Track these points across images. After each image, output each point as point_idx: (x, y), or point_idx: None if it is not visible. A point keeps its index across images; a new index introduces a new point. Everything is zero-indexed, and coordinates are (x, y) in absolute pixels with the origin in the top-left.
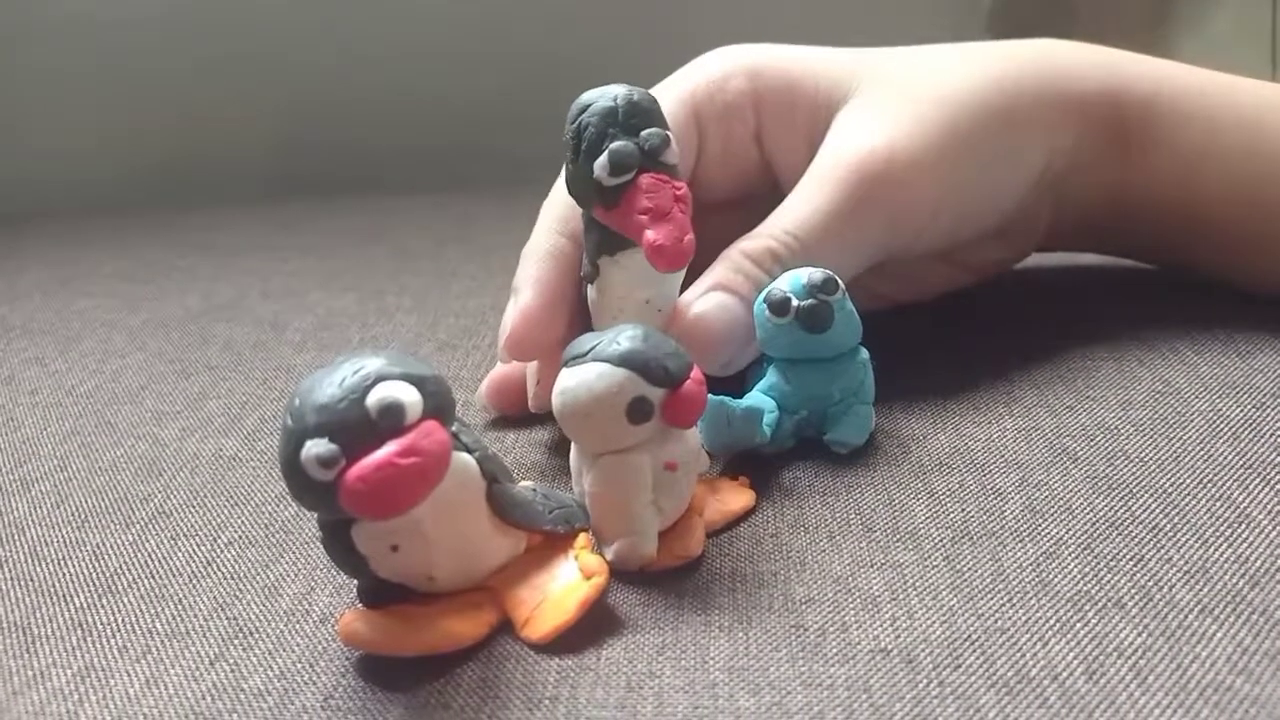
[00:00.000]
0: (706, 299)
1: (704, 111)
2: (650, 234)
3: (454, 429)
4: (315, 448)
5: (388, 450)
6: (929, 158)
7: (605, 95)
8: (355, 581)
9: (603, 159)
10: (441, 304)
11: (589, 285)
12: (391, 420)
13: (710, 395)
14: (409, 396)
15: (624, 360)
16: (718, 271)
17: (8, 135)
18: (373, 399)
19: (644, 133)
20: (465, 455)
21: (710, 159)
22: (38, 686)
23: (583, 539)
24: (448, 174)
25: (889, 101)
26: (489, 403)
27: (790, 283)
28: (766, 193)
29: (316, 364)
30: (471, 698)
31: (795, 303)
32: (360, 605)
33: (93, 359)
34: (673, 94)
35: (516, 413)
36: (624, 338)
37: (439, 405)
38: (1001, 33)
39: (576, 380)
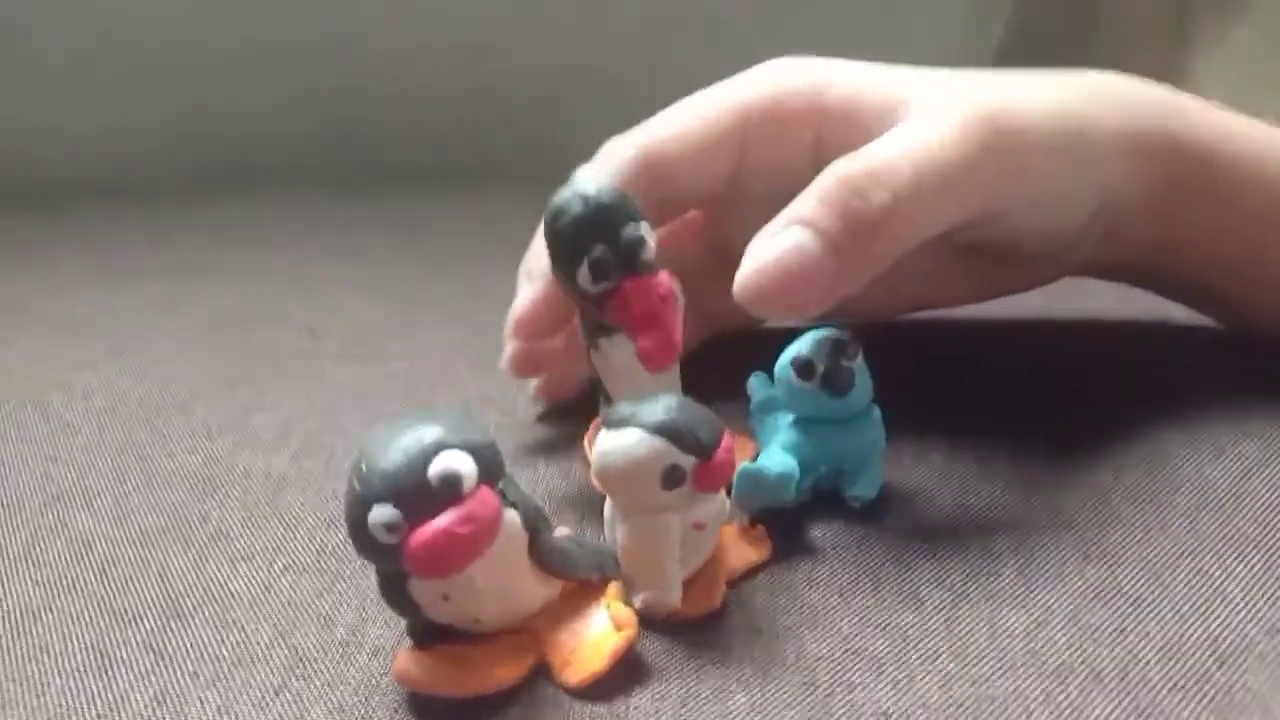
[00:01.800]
0: (780, 239)
1: (756, 126)
2: (640, 343)
3: (501, 486)
4: (381, 514)
5: (448, 519)
6: (1035, 131)
7: (575, 202)
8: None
9: (584, 270)
10: (473, 316)
11: (592, 352)
12: (451, 489)
13: (745, 464)
14: (466, 467)
15: (661, 430)
16: (802, 203)
17: (31, 112)
18: (434, 469)
19: (623, 235)
20: (511, 511)
21: (755, 168)
22: (120, 710)
23: (614, 588)
24: (475, 161)
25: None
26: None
27: (811, 347)
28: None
29: (357, 378)
30: None
31: (822, 368)
32: (409, 640)
33: (140, 363)
34: (723, 102)
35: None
36: (661, 408)
37: (492, 471)
38: (1015, 49)
39: (616, 444)
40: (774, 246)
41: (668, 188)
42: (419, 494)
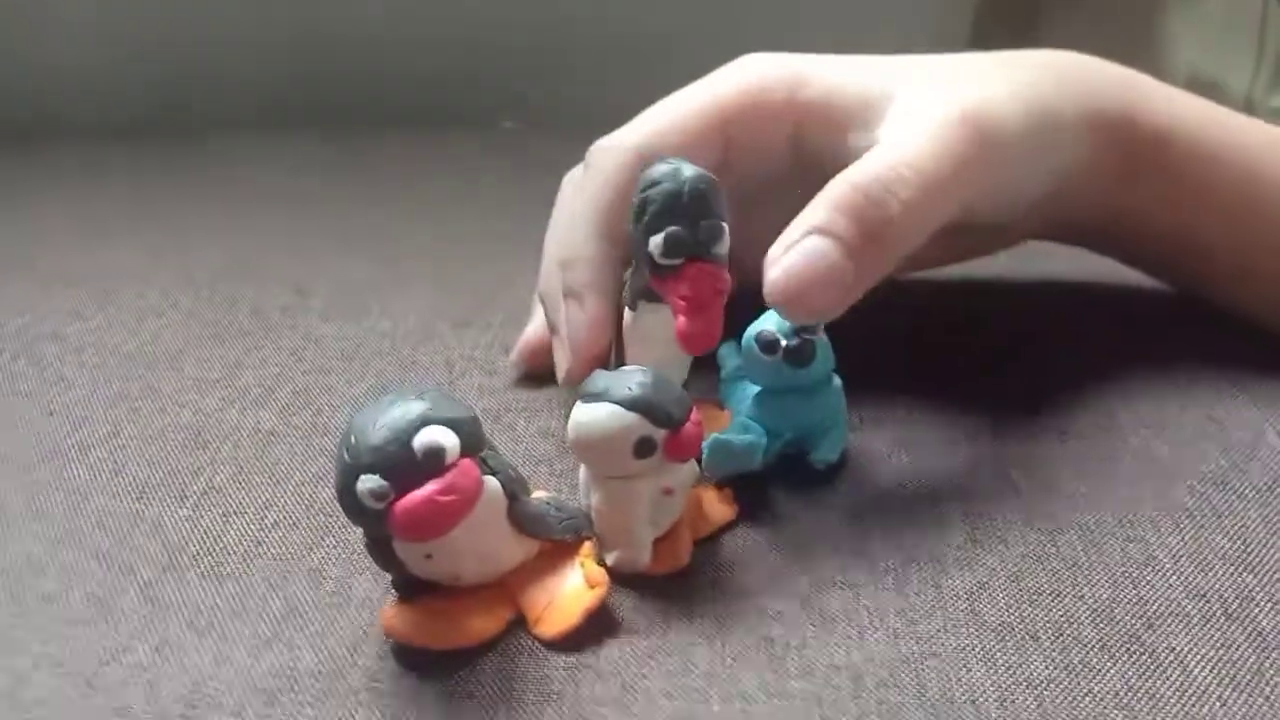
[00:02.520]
0: (803, 247)
1: (735, 123)
2: (682, 321)
3: (482, 455)
4: (368, 482)
5: (431, 488)
6: (1021, 125)
7: (675, 178)
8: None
9: (658, 239)
10: (456, 273)
11: (627, 308)
12: (434, 461)
13: (715, 435)
14: (449, 440)
15: (634, 404)
16: (818, 212)
17: (14, 62)
18: (418, 442)
19: (703, 223)
20: (491, 479)
21: (736, 162)
22: (122, 658)
23: (587, 547)
24: (460, 115)
25: (962, 81)
26: (524, 365)
27: (777, 323)
28: (795, 187)
29: (343, 336)
30: (492, 688)
31: (783, 342)
32: (394, 594)
33: (130, 316)
34: (701, 101)
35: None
36: (635, 383)
37: (473, 444)
38: (990, 18)
39: (590, 417)
40: (799, 254)
41: None
42: (405, 465)
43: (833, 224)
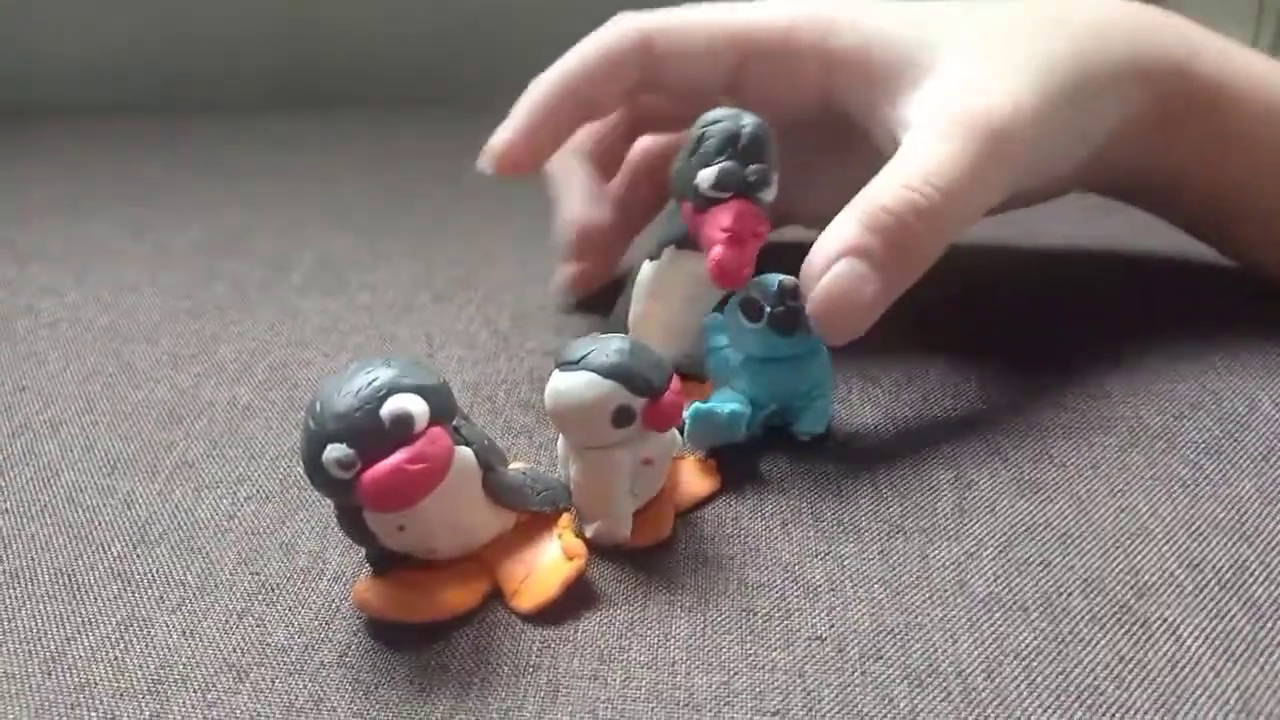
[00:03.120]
0: (840, 272)
1: (755, 54)
2: (719, 250)
3: (455, 424)
4: (335, 451)
5: (399, 457)
6: (1041, 116)
7: (735, 118)
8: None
9: (710, 171)
10: (437, 249)
11: (647, 261)
12: (402, 429)
13: (698, 404)
14: (417, 407)
15: (611, 372)
16: (851, 231)
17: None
18: (386, 410)
19: (753, 166)
20: (465, 449)
21: (753, 92)
22: (88, 633)
23: (565, 518)
24: (442, 93)
25: (991, 60)
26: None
27: (762, 289)
28: (826, 132)
29: (322, 310)
30: (466, 662)
31: (769, 309)
32: (368, 568)
33: (106, 291)
34: (727, 21)
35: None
36: (613, 350)
37: (443, 411)
38: None
39: (568, 385)
40: (838, 279)
41: (662, 71)
42: (372, 433)
43: (867, 246)
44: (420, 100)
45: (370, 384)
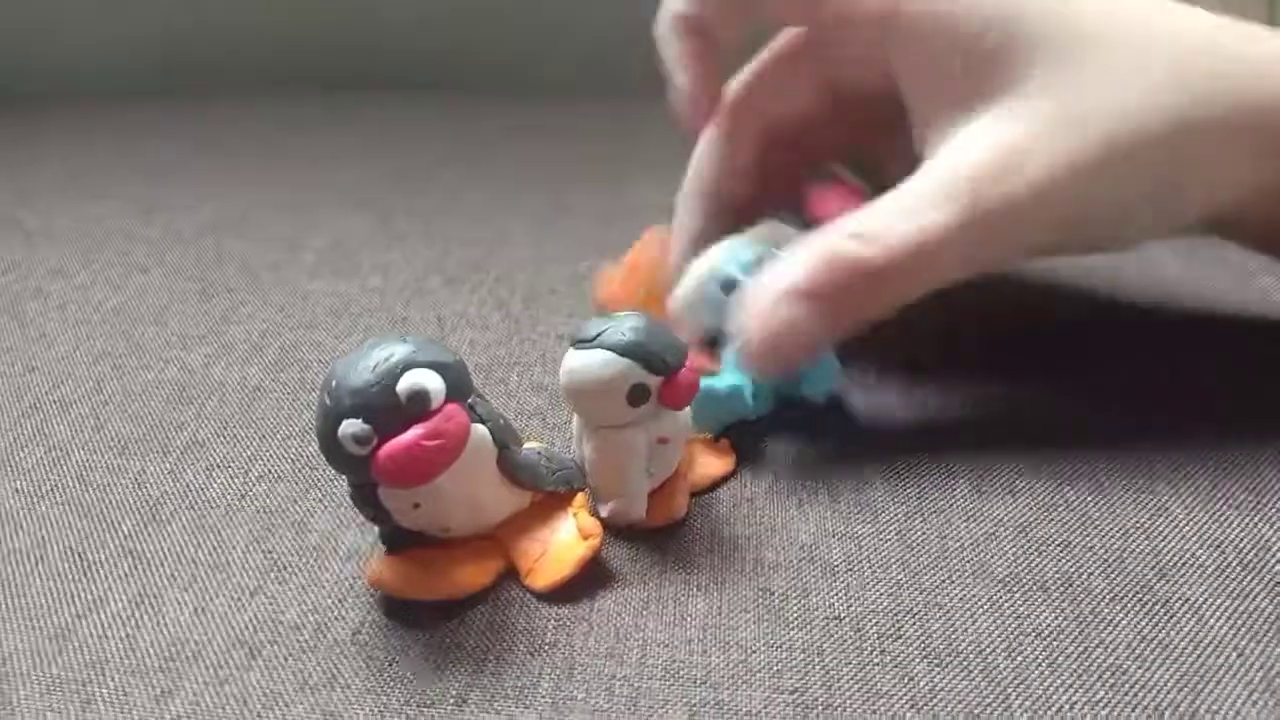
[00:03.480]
0: (778, 313)
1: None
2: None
3: (470, 402)
4: (351, 427)
5: (415, 433)
6: (1086, 175)
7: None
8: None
9: None
10: (449, 230)
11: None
12: (418, 405)
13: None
14: (434, 384)
15: (627, 350)
16: (797, 273)
17: (4, 21)
18: (402, 385)
19: None
20: (480, 426)
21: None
22: (98, 610)
23: (580, 498)
24: (451, 76)
25: (1047, 109)
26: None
27: (737, 263)
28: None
29: (333, 292)
30: (481, 640)
31: (743, 279)
32: (382, 546)
33: (115, 272)
34: None
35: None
36: (628, 328)
37: (459, 388)
38: None
39: (582, 363)
40: (775, 318)
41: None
42: (388, 409)
43: (810, 290)
44: (425, 84)
45: (386, 360)
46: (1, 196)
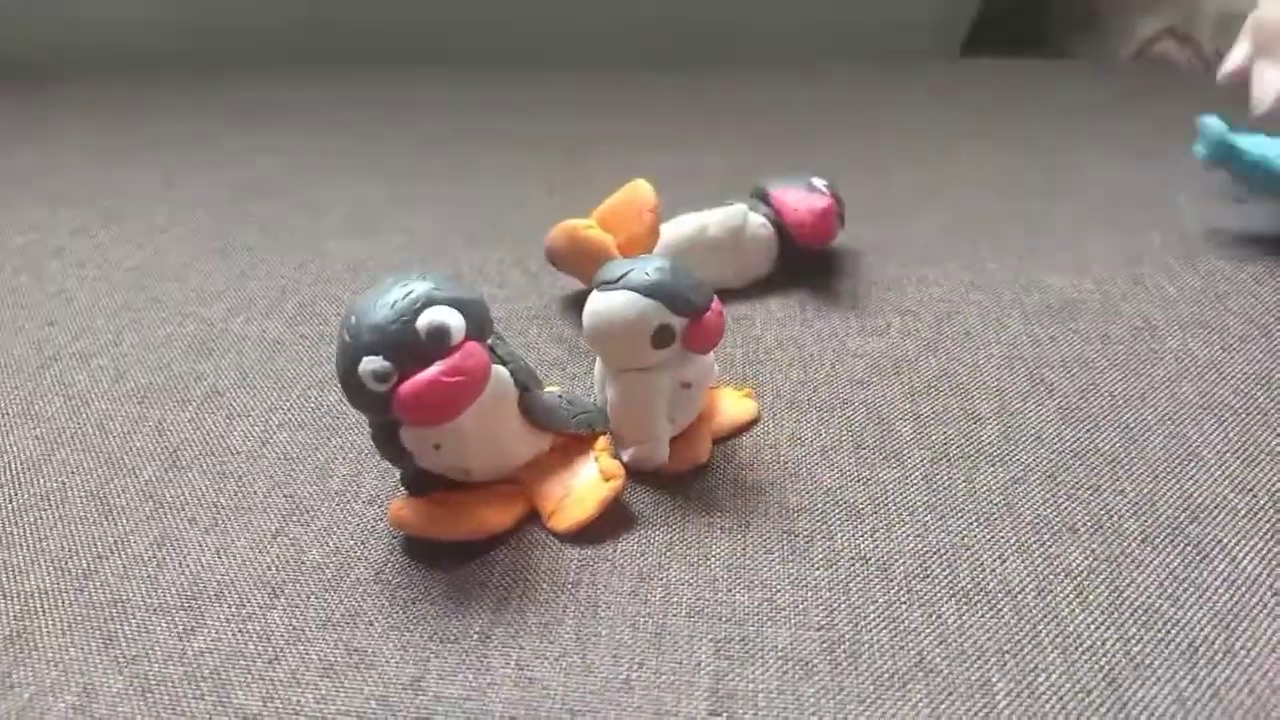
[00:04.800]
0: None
1: None
2: None
3: (491, 342)
4: (371, 364)
5: (436, 369)
6: None
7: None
8: (398, 469)
9: None
10: (466, 193)
11: None
12: (439, 342)
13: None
14: (454, 320)
15: (652, 291)
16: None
17: None
18: (422, 322)
19: None
20: (500, 367)
21: None
22: (119, 552)
23: (602, 442)
24: (465, 47)
25: None
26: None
27: None
28: None
29: (352, 252)
30: (505, 579)
31: None
32: (403, 491)
33: (136, 232)
34: None
35: None
36: (653, 269)
37: (480, 326)
38: None
39: (606, 305)
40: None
41: None
42: (408, 346)
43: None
44: (440, 58)
45: (406, 296)
46: (24, 163)
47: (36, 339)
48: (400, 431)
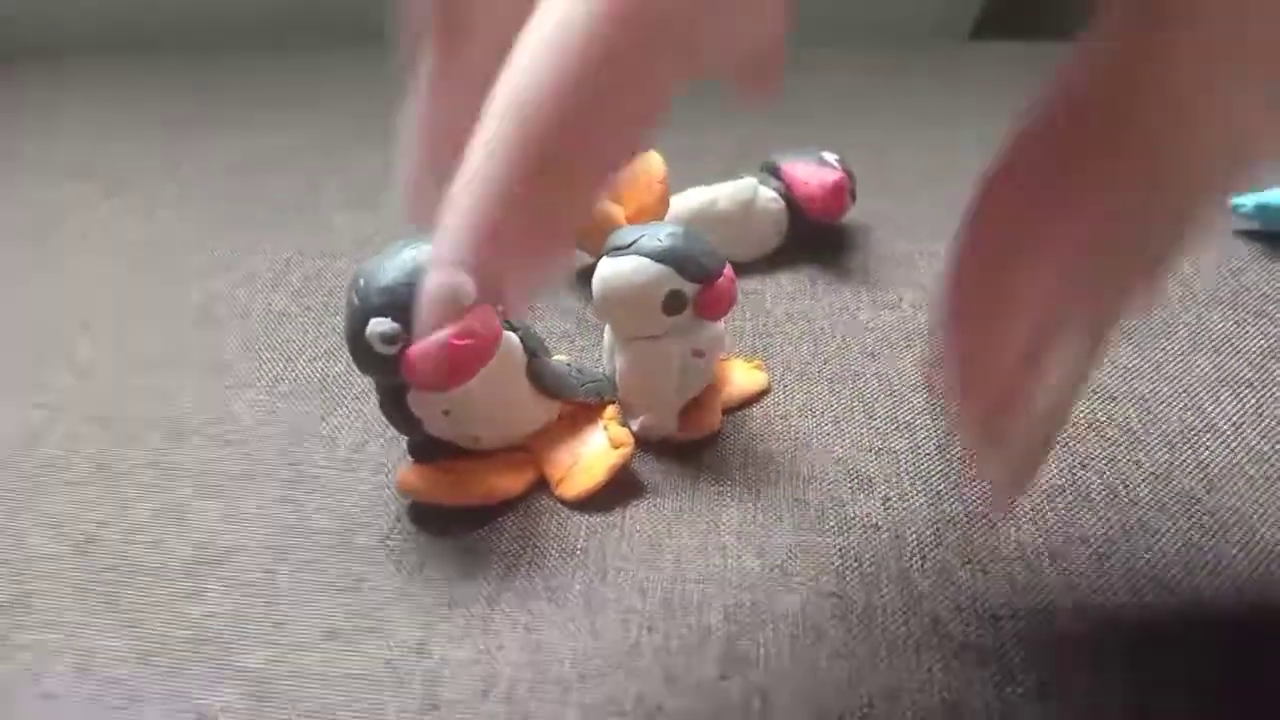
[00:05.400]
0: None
1: None
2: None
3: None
4: (380, 325)
5: (446, 333)
6: None
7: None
8: (405, 437)
9: None
10: None
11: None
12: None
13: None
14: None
15: (663, 256)
16: None
17: None
18: None
19: None
20: (510, 333)
21: None
22: (122, 517)
23: (611, 410)
24: None
25: None
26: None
27: None
28: None
29: (357, 225)
30: (513, 545)
31: None
32: (410, 458)
33: (139, 205)
34: None
35: None
36: (664, 234)
37: None
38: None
39: (616, 271)
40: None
41: None
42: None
43: None
44: None
45: (415, 258)
46: (25, 138)
47: (39, 309)
48: (409, 397)
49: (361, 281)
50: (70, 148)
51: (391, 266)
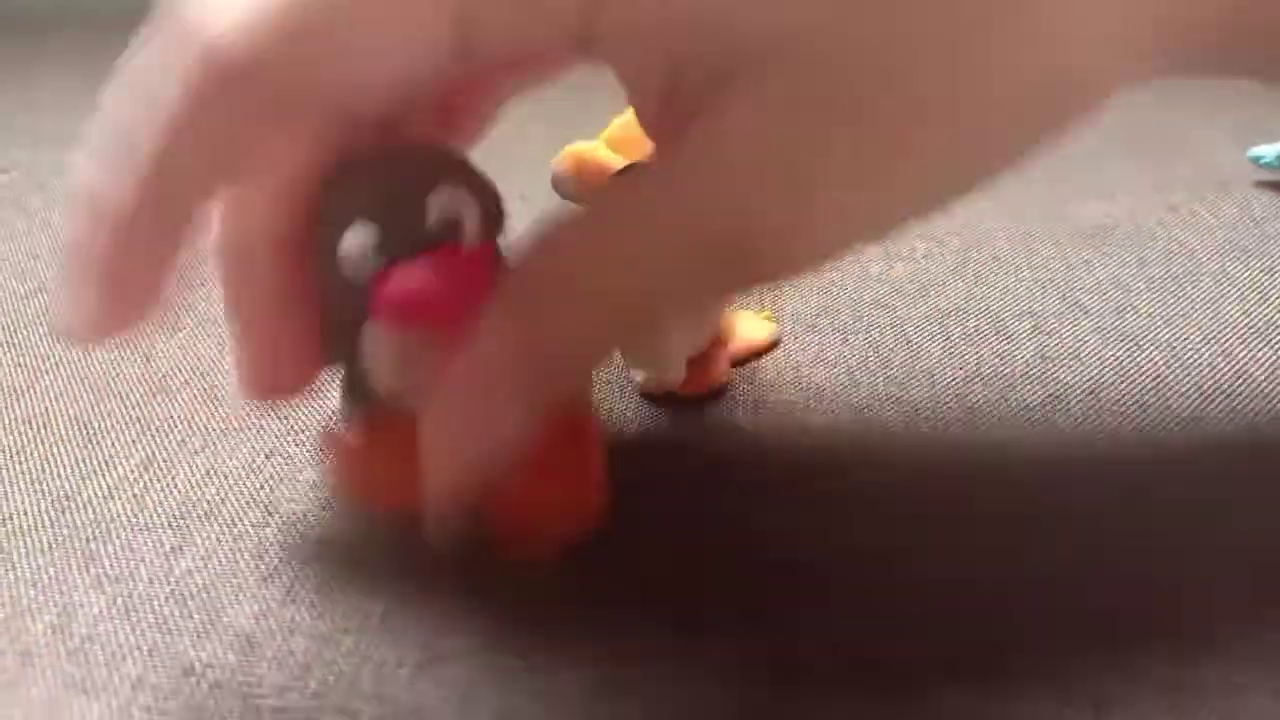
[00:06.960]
0: None
1: None
2: None
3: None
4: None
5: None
6: None
7: None
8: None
9: None
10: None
11: None
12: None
13: None
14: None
15: None
16: None
17: None
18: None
19: None
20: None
21: None
22: (105, 474)
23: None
24: None
25: None
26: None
27: None
28: None
29: None
30: None
31: None
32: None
33: None
34: None
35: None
36: None
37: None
38: None
39: None
40: None
41: None
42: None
43: None
44: None
45: None
46: (5, 107)
47: (21, 271)
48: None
49: None
50: (51, 115)
51: None
